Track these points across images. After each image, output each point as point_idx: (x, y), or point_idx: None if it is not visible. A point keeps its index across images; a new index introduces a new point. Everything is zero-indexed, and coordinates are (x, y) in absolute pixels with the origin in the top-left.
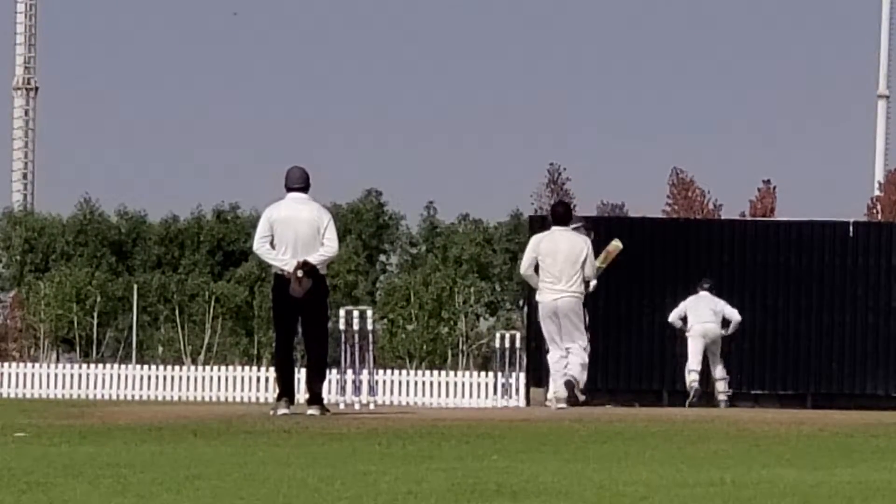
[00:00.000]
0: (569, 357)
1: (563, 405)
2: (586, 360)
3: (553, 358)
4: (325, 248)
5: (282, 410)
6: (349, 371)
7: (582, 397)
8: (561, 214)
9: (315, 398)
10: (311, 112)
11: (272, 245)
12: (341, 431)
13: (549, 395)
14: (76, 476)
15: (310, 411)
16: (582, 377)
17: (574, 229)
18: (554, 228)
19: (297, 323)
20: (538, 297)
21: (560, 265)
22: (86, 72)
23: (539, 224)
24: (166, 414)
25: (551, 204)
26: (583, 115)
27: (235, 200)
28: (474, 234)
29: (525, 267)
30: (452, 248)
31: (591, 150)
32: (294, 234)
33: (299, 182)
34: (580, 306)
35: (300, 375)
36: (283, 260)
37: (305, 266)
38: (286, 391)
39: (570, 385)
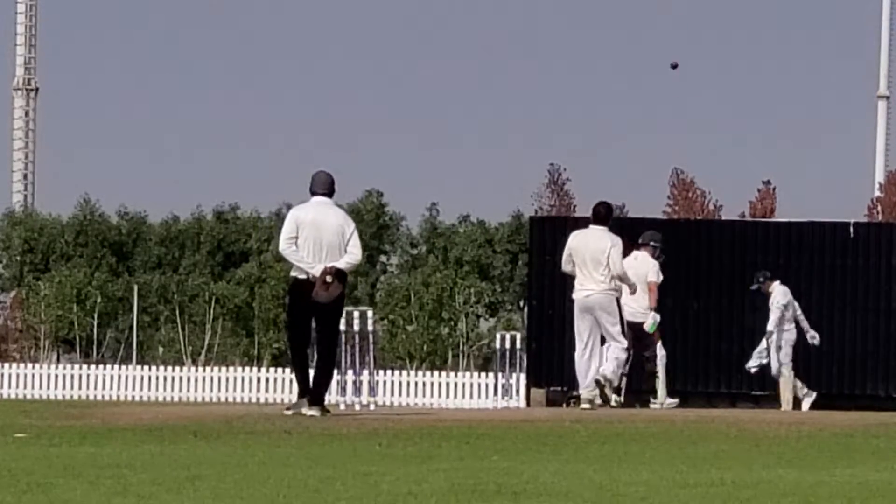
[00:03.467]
0: (607, 353)
1: (588, 406)
2: (622, 360)
3: (578, 356)
4: (350, 255)
5: (306, 409)
6: (349, 372)
7: (614, 399)
8: (602, 215)
9: (317, 399)
10: (311, 112)
11: (297, 246)
12: (342, 432)
13: (582, 394)
14: (76, 476)
15: (310, 412)
16: (615, 377)
17: (651, 246)
18: (590, 227)
19: (311, 325)
20: (573, 295)
21: (586, 262)
22: (86, 72)
23: (539, 224)
24: (166, 415)
25: (595, 204)
26: (583, 115)
27: (235, 201)
28: (475, 234)
29: (564, 263)
30: (453, 249)
31: (591, 150)
32: (319, 238)
33: (325, 187)
34: (614, 304)
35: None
36: (310, 263)
37: (334, 271)
38: (307, 390)
39: (598, 384)
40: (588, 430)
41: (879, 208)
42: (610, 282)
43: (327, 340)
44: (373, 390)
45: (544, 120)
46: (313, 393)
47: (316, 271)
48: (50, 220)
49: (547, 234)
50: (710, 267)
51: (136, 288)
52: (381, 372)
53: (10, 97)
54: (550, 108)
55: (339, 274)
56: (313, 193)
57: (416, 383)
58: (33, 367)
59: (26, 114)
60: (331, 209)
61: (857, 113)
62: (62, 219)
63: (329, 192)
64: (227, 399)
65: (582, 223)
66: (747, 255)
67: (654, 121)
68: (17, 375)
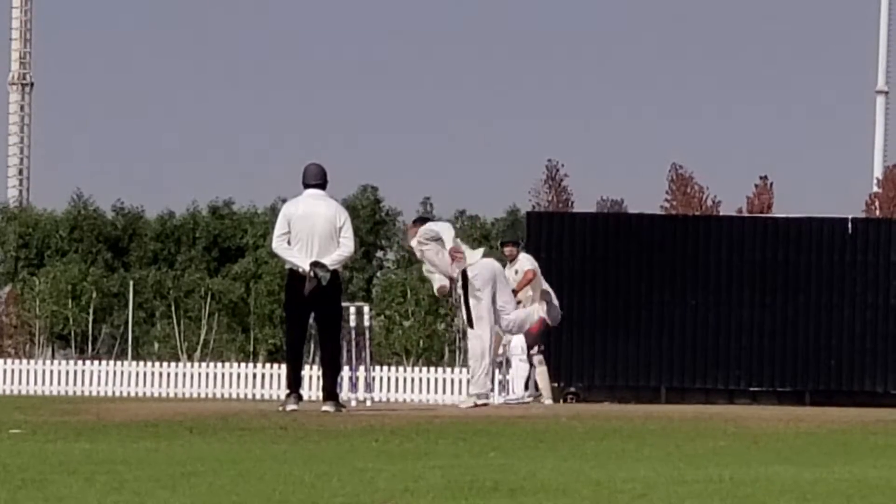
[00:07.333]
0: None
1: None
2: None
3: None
4: (342, 248)
5: (291, 406)
6: (346, 368)
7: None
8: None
9: (330, 395)
10: (306, 108)
11: (289, 242)
12: (338, 428)
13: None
14: (72, 473)
15: (324, 408)
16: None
17: (512, 245)
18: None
19: (309, 319)
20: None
21: None
22: (81, 67)
23: (536, 220)
24: (162, 410)
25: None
26: (581, 110)
27: (230, 196)
28: (471, 230)
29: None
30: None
31: (590, 146)
32: (311, 230)
33: (317, 179)
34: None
35: (311, 372)
36: (301, 258)
37: (319, 266)
38: (296, 387)
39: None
40: (585, 427)
41: (877, 204)
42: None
43: (329, 335)
44: (369, 386)
45: (542, 116)
46: (325, 388)
47: (306, 266)
48: (45, 215)
49: (544, 230)
50: (708, 263)
51: (131, 283)
52: (378, 368)
53: (5, 92)
54: (548, 104)
55: (325, 268)
56: (306, 186)
57: (412, 379)
58: (28, 363)
59: (21, 108)
60: (322, 201)
61: (856, 108)
62: (57, 214)
63: (321, 184)
64: (222, 395)
65: (579, 218)
66: (745, 251)
67: (652, 116)
68: (12, 371)
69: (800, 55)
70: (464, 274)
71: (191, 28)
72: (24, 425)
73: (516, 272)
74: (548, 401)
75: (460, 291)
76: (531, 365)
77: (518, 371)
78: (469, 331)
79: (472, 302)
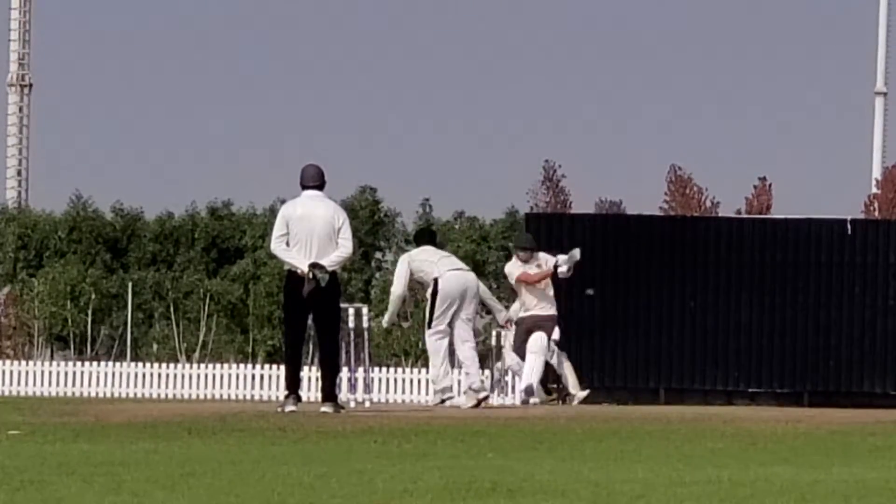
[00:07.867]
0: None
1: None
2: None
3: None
4: (341, 249)
5: (290, 407)
6: (345, 369)
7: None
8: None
9: (328, 395)
10: (304, 108)
11: (288, 243)
12: (336, 429)
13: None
14: (70, 474)
15: (323, 409)
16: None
17: (530, 250)
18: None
19: (308, 320)
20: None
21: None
22: (80, 68)
23: (535, 221)
24: (161, 412)
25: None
26: (579, 111)
27: (229, 197)
28: (470, 231)
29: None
30: (448, 246)
31: (588, 146)
32: (310, 232)
33: (315, 180)
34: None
35: (310, 374)
36: (300, 259)
37: (318, 268)
38: (294, 388)
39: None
40: (583, 428)
41: (876, 205)
42: None
43: (327, 335)
44: (368, 388)
45: (540, 116)
46: (324, 389)
47: (305, 267)
48: (44, 217)
49: (543, 231)
50: (707, 264)
51: (130, 285)
52: (377, 369)
53: (3, 93)
54: (545, 104)
55: (324, 269)
56: (304, 187)
57: (411, 380)
58: (27, 364)
59: (20, 109)
60: (321, 202)
61: (855, 109)
62: (56, 215)
63: (319, 185)
64: (221, 396)
65: (578, 219)
66: (744, 252)
67: (650, 117)
68: (11, 372)
69: (799, 55)
70: (435, 282)
71: (191, 28)
72: (23, 426)
73: (539, 266)
74: (575, 390)
75: (428, 295)
76: (547, 363)
77: (529, 363)
78: (427, 331)
79: (437, 307)
